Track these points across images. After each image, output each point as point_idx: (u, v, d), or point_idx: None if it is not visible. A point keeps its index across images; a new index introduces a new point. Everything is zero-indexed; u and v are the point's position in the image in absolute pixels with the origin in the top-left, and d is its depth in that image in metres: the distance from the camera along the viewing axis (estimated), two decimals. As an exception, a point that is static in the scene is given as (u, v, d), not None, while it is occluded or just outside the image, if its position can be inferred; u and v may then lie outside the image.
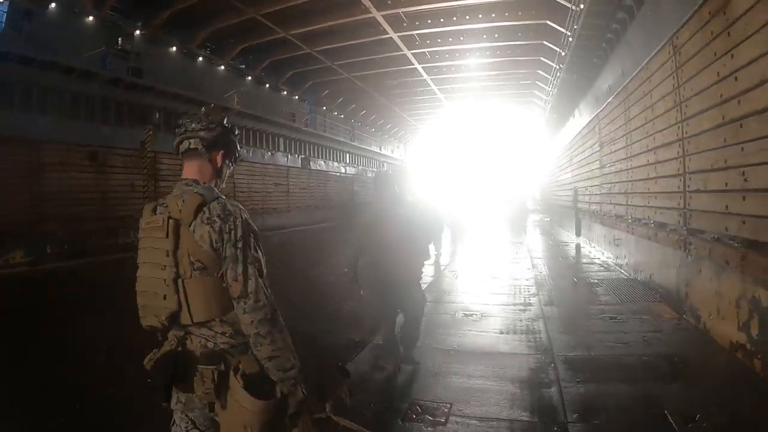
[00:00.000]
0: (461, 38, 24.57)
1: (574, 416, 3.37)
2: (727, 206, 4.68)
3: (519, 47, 24.46)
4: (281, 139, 30.87)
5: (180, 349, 1.70)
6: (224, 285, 1.66)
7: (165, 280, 1.67)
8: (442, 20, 22.43)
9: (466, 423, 3.34)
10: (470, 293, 7.69)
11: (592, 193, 12.82)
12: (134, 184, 14.47)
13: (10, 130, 13.14)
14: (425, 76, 30.06)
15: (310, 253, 13.41)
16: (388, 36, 23.16)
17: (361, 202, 28.18)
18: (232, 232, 1.66)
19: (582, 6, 12.15)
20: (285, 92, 30.59)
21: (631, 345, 4.86)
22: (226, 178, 1.93)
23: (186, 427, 1.75)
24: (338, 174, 34.01)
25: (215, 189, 1.81)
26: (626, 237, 8.97)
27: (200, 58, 23.79)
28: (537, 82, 27.65)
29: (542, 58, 23.09)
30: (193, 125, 1.83)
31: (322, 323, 5.68)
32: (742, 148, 4.29)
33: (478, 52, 26.28)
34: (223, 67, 25.17)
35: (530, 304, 6.78)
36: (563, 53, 17.17)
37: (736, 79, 4.34)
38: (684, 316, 5.75)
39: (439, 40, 25.06)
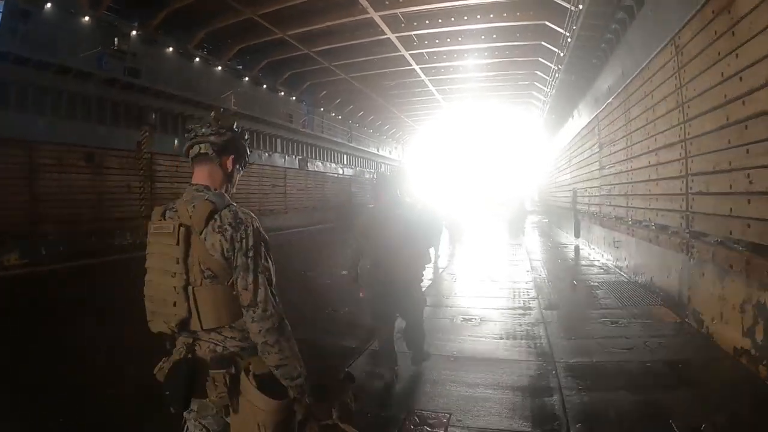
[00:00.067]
0: (459, 39, 24.51)
1: (577, 426, 3.27)
2: (731, 209, 4.60)
3: (517, 48, 24.42)
4: (278, 140, 30.79)
5: (190, 356, 1.70)
6: (234, 293, 1.66)
7: (175, 287, 1.65)
8: (440, 21, 22.36)
9: (466, 434, 3.23)
10: (469, 297, 7.60)
11: (592, 195, 12.75)
12: (130, 185, 14.38)
13: (6, 131, 13.02)
14: (423, 76, 29.99)
15: (307, 255, 13.32)
16: (385, 37, 23.08)
17: (358, 203, 28.13)
18: (244, 241, 1.66)
19: (581, 6, 12.07)
20: (282, 93, 30.49)
21: (634, 351, 4.78)
22: (236, 183, 1.92)
23: None
24: (336, 175, 33.98)
25: (226, 195, 1.80)
26: (626, 239, 8.89)
27: (197, 59, 23.66)
28: (535, 83, 27.61)
29: (540, 59, 23.04)
30: (203, 130, 1.81)
31: (318, 328, 5.57)
32: (747, 150, 4.21)
33: (476, 53, 26.23)
34: (220, 68, 25.05)
35: (530, 308, 6.70)
36: (562, 54, 17.11)
37: (740, 79, 4.26)
38: (686, 319, 5.67)
39: (437, 41, 25.00)
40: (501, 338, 5.38)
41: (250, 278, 1.64)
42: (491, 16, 21.32)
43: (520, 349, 4.98)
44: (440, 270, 10.20)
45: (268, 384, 1.62)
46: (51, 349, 5.10)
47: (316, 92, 33.77)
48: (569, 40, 14.81)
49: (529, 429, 3.30)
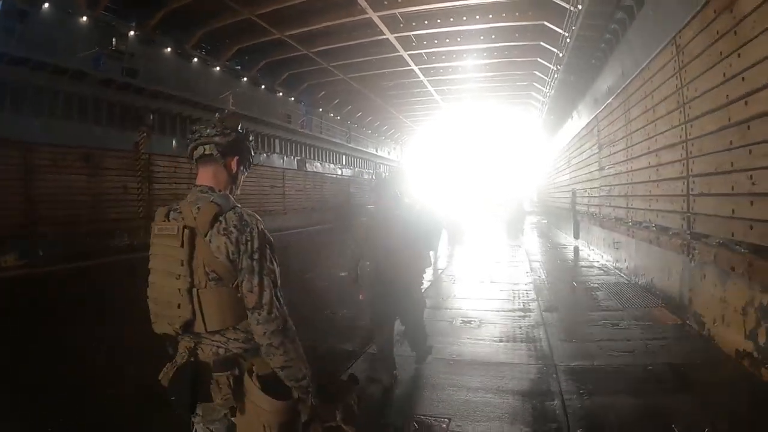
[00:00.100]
0: (458, 39, 24.47)
1: (579, 432, 3.22)
2: (733, 210, 4.56)
3: (516, 48, 24.39)
4: (277, 141, 30.71)
5: (192, 360, 1.69)
6: (239, 295, 1.66)
7: (179, 289, 1.65)
8: (438, 21, 22.32)
9: (466, 440, 3.19)
10: (468, 298, 7.55)
11: (591, 196, 12.71)
12: (128, 186, 14.33)
13: (2, 132, 12.92)
14: (422, 77, 29.95)
15: (306, 256, 13.26)
16: (384, 37, 23.03)
17: (357, 204, 28.09)
18: (249, 243, 1.66)
19: (580, 6, 12.02)
20: (281, 93, 30.41)
21: (635, 353, 4.74)
22: (241, 184, 1.92)
23: None
24: (334, 176, 33.97)
25: (231, 197, 1.79)
26: (626, 240, 8.85)
27: (195, 59, 23.57)
28: (534, 84, 27.58)
29: (539, 59, 23.00)
30: (208, 131, 1.81)
31: (317, 330, 5.51)
32: (750, 151, 4.16)
33: (474, 54, 26.19)
34: (218, 68, 24.96)
35: (530, 310, 6.65)
36: (561, 54, 17.07)
37: (743, 79, 4.22)
38: (687, 322, 5.63)
39: (436, 42, 24.95)
40: (501, 341, 5.33)
41: (256, 281, 1.63)
42: (490, 16, 21.28)
43: (520, 352, 4.93)
44: (439, 271, 10.15)
45: (272, 385, 1.62)
46: (50, 350, 5.09)
47: (314, 93, 33.70)
48: (568, 40, 14.77)
49: (531, 435, 3.25)
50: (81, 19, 17.82)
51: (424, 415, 3.50)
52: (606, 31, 11.57)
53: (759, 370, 4.00)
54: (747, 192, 4.26)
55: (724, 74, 4.61)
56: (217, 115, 1.88)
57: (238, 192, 1.89)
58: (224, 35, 23.40)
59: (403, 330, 4.47)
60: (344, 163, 41.37)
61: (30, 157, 11.85)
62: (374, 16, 20.57)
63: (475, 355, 4.88)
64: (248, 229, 1.66)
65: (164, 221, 1.74)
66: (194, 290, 1.64)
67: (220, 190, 1.79)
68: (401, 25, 22.61)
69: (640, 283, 7.85)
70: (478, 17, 21.60)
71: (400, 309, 4.20)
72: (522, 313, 6.50)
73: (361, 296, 4.17)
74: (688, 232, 5.77)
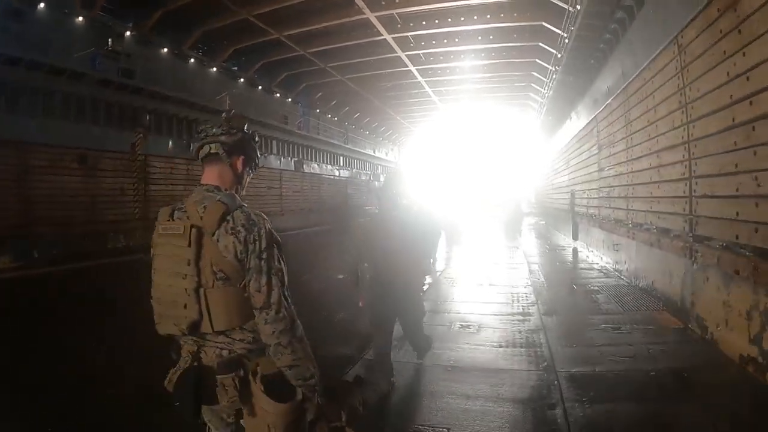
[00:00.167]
0: (456, 40, 24.45)
1: (581, 441, 3.13)
2: (737, 213, 4.47)
3: (514, 49, 24.38)
4: (274, 142, 30.67)
5: (195, 364, 1.69)
6: (246, 295, 1.66)
7: (186, 289, 1.64)
8: (436, 21, 22.30)
9: (465, 451, 3.10)
10: (466, 302, 7.45)
11: (590, 197, 12.63)
12: (124, 187, 14.23)
13: (-1, 132, 12.87)
14: (419, 78, 29.93)
15: (303, 257, 13.14)
16: (382, 38, 22.99)
17: (355, 205, 28.01)
18: (257, 242, 1.66)
19: (579, 7, 11.96)
20: (278, 94, 30.36)
21: (636, 358, 4.64)
22: (246, 185, 1.92)
23: None
24: (332, 177, 33.89)
25: (237, 196, 1.80)
26: (626, 242, 8.77)
27: (192, 60, 23.50)
28: (532, 84, 27.57)
29: (538, 60, 22.98)
30: (214, 130, 1.81)
31: (315, 332, 5.42)
32: (755, 152, 4.07)
33: (472, 54, 26.18)
34: (215, 69, 24.89)
35: (529, 314, 6.55)
36: (559, 55, 17.03)
37: (747, 79, 4.13)
38: (689, 325, 5.54)
39: (434, 42, 24.93)
40: (500, 346, 5.23)
41: (264, 280, 1.64)
42: (488, 16, 21.26)
43: (520, 358, 4.83)
44: (437, 273, 10.05)
45: (275, 386, 1.63)
46: (49, 350, 5.09)
47: (312, 94, 33.67)
48: (567, 40, 14.73)
49: (532, 445, 3.16)
50: (77, 19, 17.78)
51: (422, 425, 3.40)
52: (605, 31, 11.53)
53: (764, 375, 3.91)
54: (752, 194, 4.17)
55: (728, 74, 4.52)
56: (223, 114, 1.88)
57: (243, 193, 1.89)
58: (221, 36, 23.34)
59: (402, 333, 4.40)
60: (342, 164, 41.34)
61: (26, 158, 11.76)
62: (372, 17, 20.53)
63: (474, 361, 4.78)
64: (256, 229, 1.67)
65: (169, 221, 1.72)
66: (201, 290, 1.63)
67: (225, 189, 1.79)
68: (399, 26, 22.57)
69: (640, 285, 7.76)
70: (476, 18, 21.57)
71: (399, 310, 4.13)
72: (521, 317, 6.40)
73: (360, 303, 4.09)
74: (691, 234, 5.68)
